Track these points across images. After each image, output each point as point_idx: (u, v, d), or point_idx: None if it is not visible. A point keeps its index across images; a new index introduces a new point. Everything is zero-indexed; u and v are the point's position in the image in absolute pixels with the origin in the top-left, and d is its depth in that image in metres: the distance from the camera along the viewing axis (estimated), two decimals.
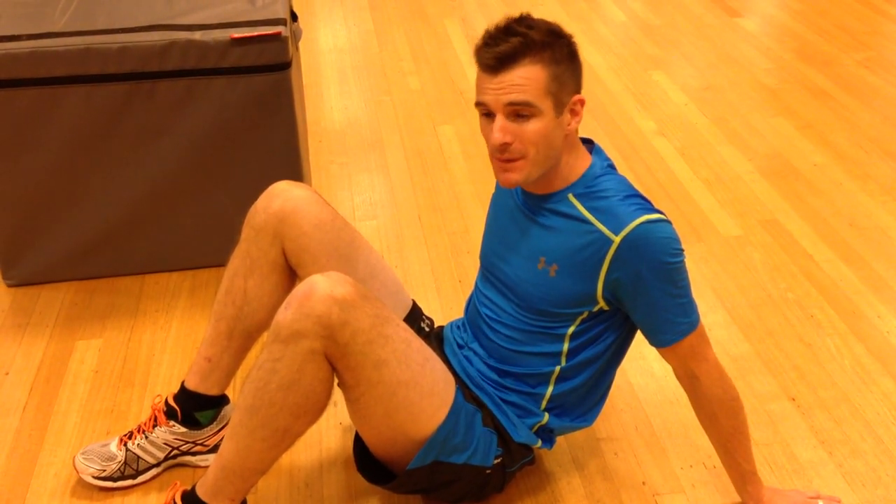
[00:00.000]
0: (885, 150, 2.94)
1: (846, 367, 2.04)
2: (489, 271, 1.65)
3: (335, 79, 3.53)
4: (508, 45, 1.39)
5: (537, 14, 1.46)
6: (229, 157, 2.23)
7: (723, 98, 3.32)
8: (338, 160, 2.94)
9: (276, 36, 2.11)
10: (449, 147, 3.01)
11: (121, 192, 2.22)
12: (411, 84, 3.47)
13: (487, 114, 1.45)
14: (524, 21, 1.43)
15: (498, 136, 1.42)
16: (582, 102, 1.47)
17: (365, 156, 2.97)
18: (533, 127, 1.42)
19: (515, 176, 1.45)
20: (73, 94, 2.09)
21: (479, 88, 1.44)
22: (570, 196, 1.50)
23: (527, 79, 1.39)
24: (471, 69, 3.56)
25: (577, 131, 1.51)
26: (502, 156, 1.44)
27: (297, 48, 2.45)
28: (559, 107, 1.43)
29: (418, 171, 2.87)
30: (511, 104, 1.40)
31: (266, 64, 2.13)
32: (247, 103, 2.17)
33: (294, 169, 2.28)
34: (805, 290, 2.29)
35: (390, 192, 2.76)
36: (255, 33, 2.10)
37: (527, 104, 1.40)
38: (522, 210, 1.57)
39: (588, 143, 1.57)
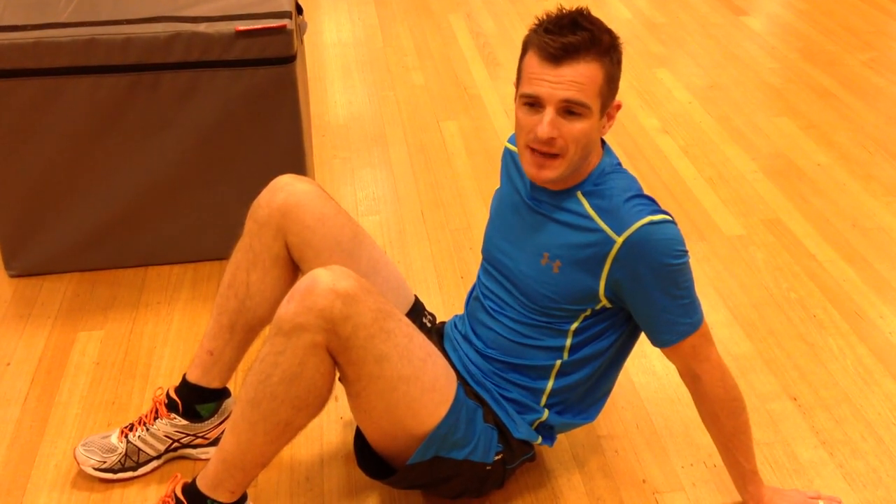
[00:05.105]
0: (888, 151, 2.94)
1: (848, 368, 2.04)
2: (492, 265, 1.64)
3: (339, 73, 3.52)
4: (577, 37, 1.36)
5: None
6: (233, 150, 2.23)
7: (727, 97, 3.31)
8: (341, 155, 2.94)
9: (281, 29, 2.11)
10: (452, 143, 3.00)
11: (124, 183, 2.22)
12: (415, 79, 3.46)
13: (532, 104, 1.42)
14: (587, 16, 1.40)
15: (547, 129, 1.39)
16: (619, 107, 1.47)
17: (368, 151, 2.96)
18: (580, 126, 1.40)
19: (550, 173, 1.44)
20: (76, 84, 2.09)
21: (531, 78, 1.40)
22: (579, 193, 1.50)
23: (587, 77, 1.37)
24: (475, 65, 3.55)
25: None
26: (543, 149, 1.42)
27: (301, 41, 2.44)
28: (604, 109, 1.43)
29: (421, 166, 2.87)
30: (566, 101, 1.38)
31: (271, 57, 2.13)
32: (251, 96, 2.16)
33: (297, 163, 2.28)
34: (807, 290, 2.29)
35: (393, 188, 2.75)
36: (260, 26, 2.09)
37: (582, 104, 1.38)
38: (529, 205, 1.56)
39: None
